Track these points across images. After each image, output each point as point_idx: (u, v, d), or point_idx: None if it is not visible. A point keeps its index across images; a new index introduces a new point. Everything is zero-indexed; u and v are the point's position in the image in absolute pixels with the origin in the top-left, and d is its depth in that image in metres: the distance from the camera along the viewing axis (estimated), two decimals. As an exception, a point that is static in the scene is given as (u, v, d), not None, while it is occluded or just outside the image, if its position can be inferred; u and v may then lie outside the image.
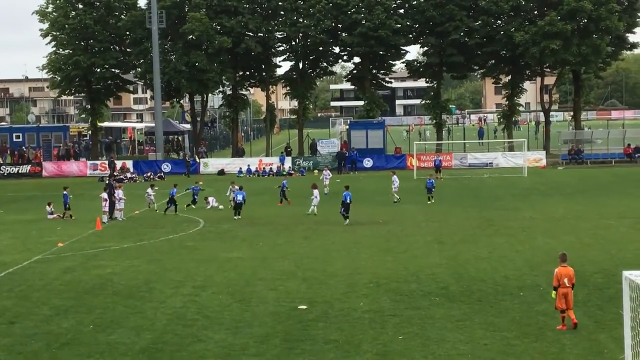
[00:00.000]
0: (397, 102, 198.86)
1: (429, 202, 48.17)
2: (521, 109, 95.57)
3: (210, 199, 50.04)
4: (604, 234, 35.98)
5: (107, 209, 44.22)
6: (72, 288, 27.86)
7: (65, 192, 46.53)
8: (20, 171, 77.93)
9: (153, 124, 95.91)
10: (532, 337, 20.75)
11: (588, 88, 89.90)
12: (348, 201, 40.92)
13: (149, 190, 49.85)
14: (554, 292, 21.53)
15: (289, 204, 49.12)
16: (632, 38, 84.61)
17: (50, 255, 34.26)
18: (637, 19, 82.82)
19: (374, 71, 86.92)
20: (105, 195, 44.46)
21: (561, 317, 21.40)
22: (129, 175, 72.01)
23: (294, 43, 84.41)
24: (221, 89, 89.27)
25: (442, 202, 49.20)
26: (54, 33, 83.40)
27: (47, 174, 77.06)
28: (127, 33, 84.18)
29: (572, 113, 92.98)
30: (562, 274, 21.44)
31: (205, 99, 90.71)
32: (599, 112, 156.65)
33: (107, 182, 49.47)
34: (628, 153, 74.76)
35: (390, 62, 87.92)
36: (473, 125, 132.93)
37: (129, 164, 76.32)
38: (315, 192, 44.99)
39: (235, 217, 43.92)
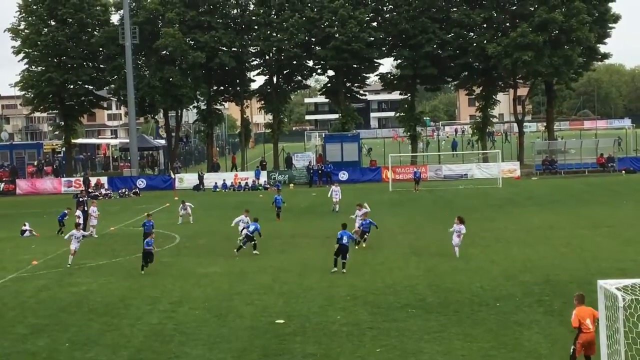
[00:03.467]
0: (372, 114, 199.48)
1: (357, 247, 36.61)
2: (495, 120, 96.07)
3: (186, 204, 49.69)
4: (578, 244, 36.17)
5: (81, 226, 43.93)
6: (48, 306, 27.64)
7: (65, 211, 46.22)
8: (-7, 189, 77.31)
9: (127, 140, 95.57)
10: (509, 347, 20.81)
11: (560, 99, 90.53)
12: (345, 242, 31.37)
13: (93, 208, 45.34)
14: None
15: (277, 220, 48.37)
16: (603, 49, 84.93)
17: (24, 274, 33.98)
18: (608, 30, 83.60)
19: (348, 84, 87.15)
20: (79, 212, 44.19)
21: None
22: (103, 191, 71.64)
23: (267, 57, 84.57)
24: (195, 104, 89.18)
25: (418, 214, 49.31)
26: (27, 50, 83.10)
27: (21, 192, 76.51)
28: (100, 49, 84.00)
29: (545, 124, 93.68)
30: (583, 315, 18.15)
31: (179, 114, 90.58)
32: (572, 123, 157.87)
33: (79, 199, 48.98)
34: (601, 163, 75.36)
35: (364, 75, 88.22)
36: (448, 136, 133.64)
37: (104, 180, 75.95)
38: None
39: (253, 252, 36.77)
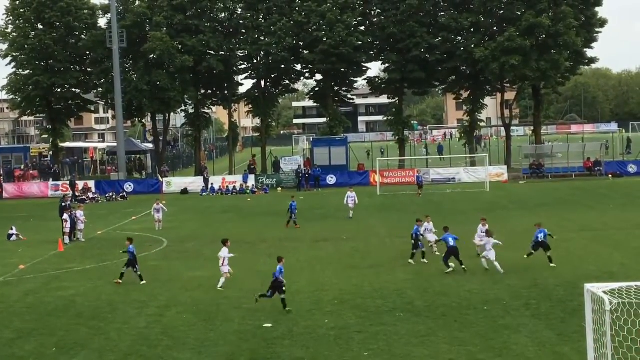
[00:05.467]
0: (360, 118, 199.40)
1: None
2: (482, 124, 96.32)
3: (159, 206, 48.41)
4: (565, 247, 36.25)
5: (67, 229, 43.77)
6: (35, 310, 27.54)
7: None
8: (-21, 193, 76.94)
9: (115, 144, 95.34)
10: (497, 351, 20.85)
11: (548, 103, 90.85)
12: (452, 244, 31.44)
13: (79, 212, 45.13)
14: None
15: (296, 228, 46.42)
16: (590, 53, 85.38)
17: (11, 278, 33.85)
18: (595, 34, 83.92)
19: (336, 88, 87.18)
20: (66, 216, 44.03)
21: None
22: (90, 195, 71.41)
23: (255, 61, 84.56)
24: (183, 107, 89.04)
25: (406, 217, 49.31)
26: (14, 54, 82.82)
27: (8, 196, 76.17)
28: (88, 53, 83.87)
29: (532, 128, 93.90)
30: None
31: (167, 117, 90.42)
32: (559, 127, 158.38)
33: (65, 203, 48.61)
34: (588, 167, 75.55)
35: (352, 78, 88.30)
36: (435, 141, 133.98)
37: (91, 184, 75.68)
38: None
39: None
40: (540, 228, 33.01)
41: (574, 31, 77.34)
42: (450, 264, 31.00)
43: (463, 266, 31.04)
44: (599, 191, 62.25)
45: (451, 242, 31.35)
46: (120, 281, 31.36)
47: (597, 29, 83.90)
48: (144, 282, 31.28)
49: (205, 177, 75.76)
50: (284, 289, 25.92)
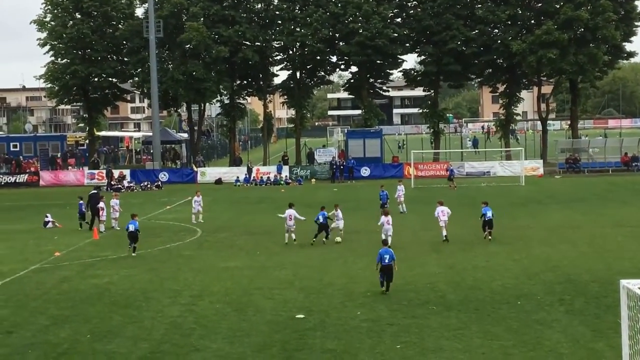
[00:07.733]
0: (395, 110, 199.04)
1: None
2: (518, 118, 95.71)
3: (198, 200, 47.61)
4: (601, 243, 35.96)
5: (104, 218, 44.06)
6: (69, 297, 27.81)
7: (80, 202, 46.11)
8: (17, 180, 77.86)
9: (150, 133, 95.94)
10: (530, 346, 20.72)
11: (585, 97, 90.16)
12: (324, 221, 37.27)
13: (115, 200, 44.83)
14: None
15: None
16: (629, 47, 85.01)
17: (47, 265, 34.20)
18: (634, 28, 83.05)
19: (371, 80, 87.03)
20: (102, 204, 44.30)
21: None
22: (126, 184, 71.94)
23: (291, 52, 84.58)
24: (219, 98, 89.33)
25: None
26: (52, 42, 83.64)
27: (45, 184, 77.02)
28: (125, 42, 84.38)
29: (569, 122, 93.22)
30: None
31: (202, 108, 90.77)
32: (596, 121, 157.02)
33: (96, 190, 48.73)
34: (625, 162, 74.85)
35: (388, 71, 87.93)
36: (473, 133, 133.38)
37: (126, 172, 76.22)
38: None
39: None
40: None
41: (613, 25, 76.65)
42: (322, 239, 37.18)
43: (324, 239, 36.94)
44: (635, 187, 61.60)
45: (321, 219, 37.06)
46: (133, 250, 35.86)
47: (636, 23, 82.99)
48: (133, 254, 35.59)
49: (249, 166, 76.07)
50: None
